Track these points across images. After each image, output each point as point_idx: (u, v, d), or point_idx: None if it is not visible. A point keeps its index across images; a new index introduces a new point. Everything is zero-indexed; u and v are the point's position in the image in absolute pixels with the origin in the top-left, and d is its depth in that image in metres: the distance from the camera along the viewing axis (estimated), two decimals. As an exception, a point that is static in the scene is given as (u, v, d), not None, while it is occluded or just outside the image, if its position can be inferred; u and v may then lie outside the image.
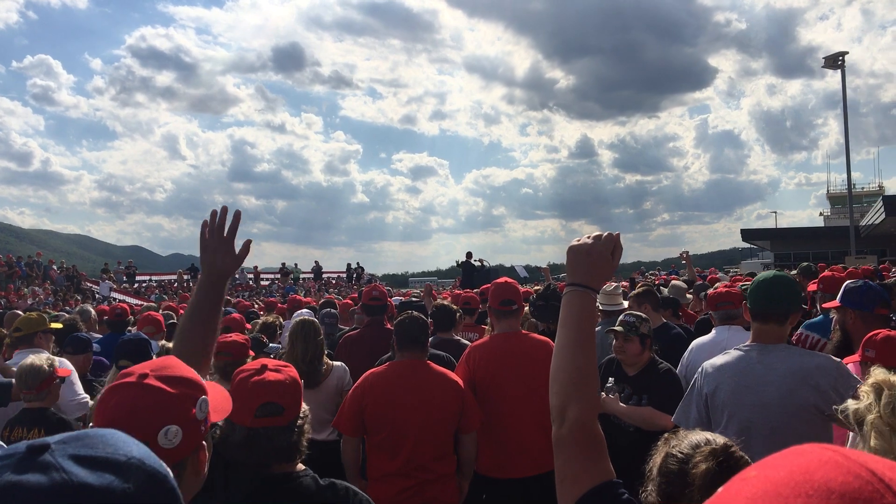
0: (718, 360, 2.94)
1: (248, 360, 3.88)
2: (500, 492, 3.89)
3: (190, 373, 1.52)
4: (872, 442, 1.75)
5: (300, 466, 2.00)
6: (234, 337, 4.01)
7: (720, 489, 0.59)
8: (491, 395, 3.93)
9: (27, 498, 0.71)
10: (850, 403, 1.87)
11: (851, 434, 2.26)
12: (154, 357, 3.66)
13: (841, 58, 29.76)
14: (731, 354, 2.91)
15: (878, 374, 1.88)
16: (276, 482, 1.92)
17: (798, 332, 4.70)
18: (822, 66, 30.34)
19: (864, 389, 1.85)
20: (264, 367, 2.02)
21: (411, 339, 3.70)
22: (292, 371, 2.06)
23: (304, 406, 2.06)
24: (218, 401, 1.56)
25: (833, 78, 29.86)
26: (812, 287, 5.36)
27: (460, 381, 3.72)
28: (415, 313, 3.89)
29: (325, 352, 4.55)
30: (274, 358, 4.64)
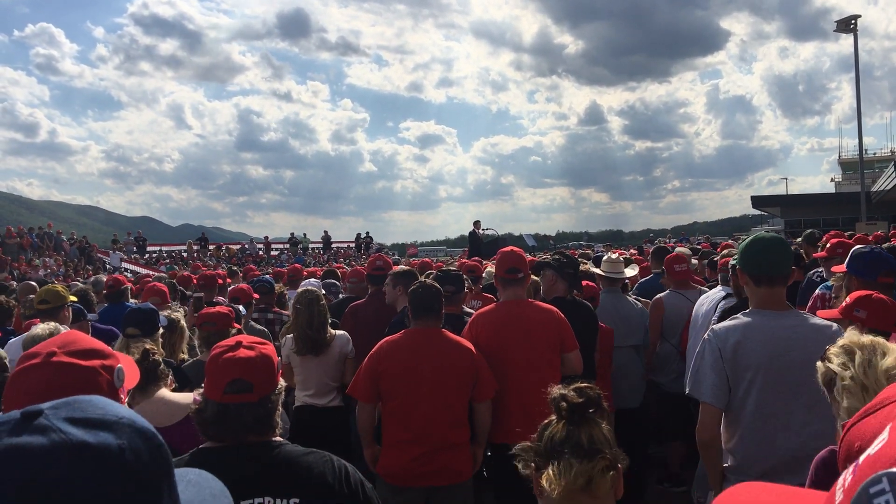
0: (731, 323, 2.84)
1: (233, 331, 3.91)
2: (503, 457, 3.95)
3: (98, 344, 1.51)
4: (845, 402, 1.78)
5: (277, 438, 2.02)
6: (218, 308, 4.09)
7: (891, 434, 0.60)
8: (494, 362, 3.95)
9: (30, 459, 0.74)
10: (820, 366, 1.91)
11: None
12: (161, 328, 3.74)
13: (853, 21, 29.22)
14: (745, 318, 2.82)
15: (850, 335, 1.93)
16: (254, 450, 1.95)
17: (816, 293, 4.67)
18: (835, 31, 29.82)
19: (835, 351, 1.89)
20: (238, 344, 2.02)
21: (426, 308, 3.73)
22: (267, 349, 2.05)
23: (281, 382, 2.06)
24: (128, 368, 1.56)
25: (847, 40, 29.41)
26: (820, 255, 5.39)
27: (475, 350, 3.74)
28: (428, 281, 3.92)
29: (330, 320, 4.63)
30: (279, 328, 4.71)
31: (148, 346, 3.04)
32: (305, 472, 1.95)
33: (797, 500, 0.69)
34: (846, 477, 0.61)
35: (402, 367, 3.60)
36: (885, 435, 0.61)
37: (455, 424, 3.63)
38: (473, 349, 3.76)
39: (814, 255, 5.68)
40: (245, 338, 2.09)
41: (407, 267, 5.61)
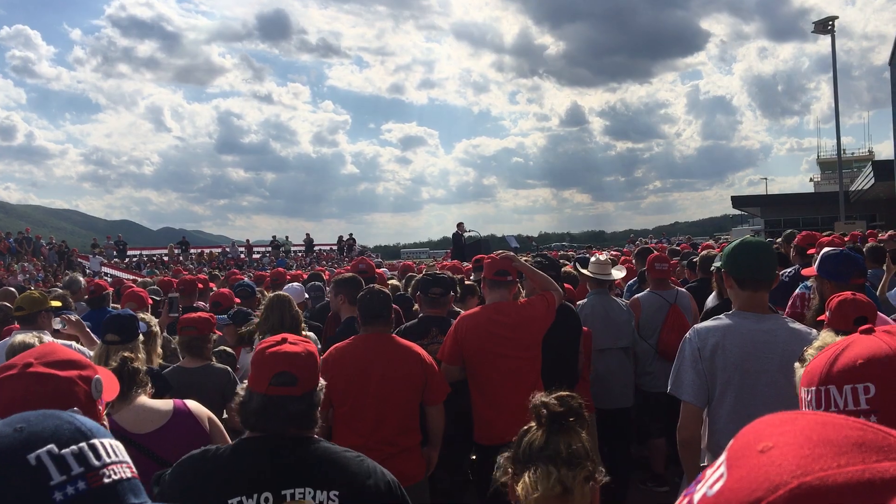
0: (712, 323, 2.87)
1: (214, 336, 3.97)
2: (488, 459, 3.95)
3: (76, 355, 1.51)
4: None
5: (315, 435, 2.10)
6: (199, 313, 4.09)
7: (730, 471, 0.57)
8: (483, 364, 3.98)
9: None
10: (797, 368, 1.89)
11: None
12: (141, 334, 3.71)
13: (831, 22, 29.57)
14: (726, 320, 2.85)
15: (824, 336, 1.94)
16: (295, 442, 2.02)
17: (797, 292, 4.72)
18: (812, 31, 30.16)
19: (810, 353, 1.88)
20: (284, 340, 2.09)
21: (373, 314, 3.74)
22: (311, 346, 2.12)
23: (322, 381, 2.13)
24: (107, 380, 1.56)
25: (825, 41, 29.72)
26: (812, 251, 5.49)
27: (425, 355, 3.75)
28: (376, 287, 3.92)
29: (303, 322, 4.66)
30: (245, 327, 4.73)
31: (127, 354, 3.03)
32: (345, 468, 2.01)
33: None
34: None
35: (350, 373, 3.59)
36: (721, 471, 0.57)
37: (404, 429, 3.63)
38: (423, 354, 3.76)
39: (808, 251, 5.76)
40: (290, 335, 2.15)
41: (350, 274, 5.56)
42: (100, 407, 1.47)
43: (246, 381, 2.12)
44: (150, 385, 3.01)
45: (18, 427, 0.81)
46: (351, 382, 3.58)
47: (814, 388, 1.18)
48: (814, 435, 0.55)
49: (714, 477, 0.57)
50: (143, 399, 2.92)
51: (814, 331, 2.84)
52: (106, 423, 1.50)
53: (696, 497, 0.58)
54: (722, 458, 0.59)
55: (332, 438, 3.69)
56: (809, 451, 0.54)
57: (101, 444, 0.85)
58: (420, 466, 3.71)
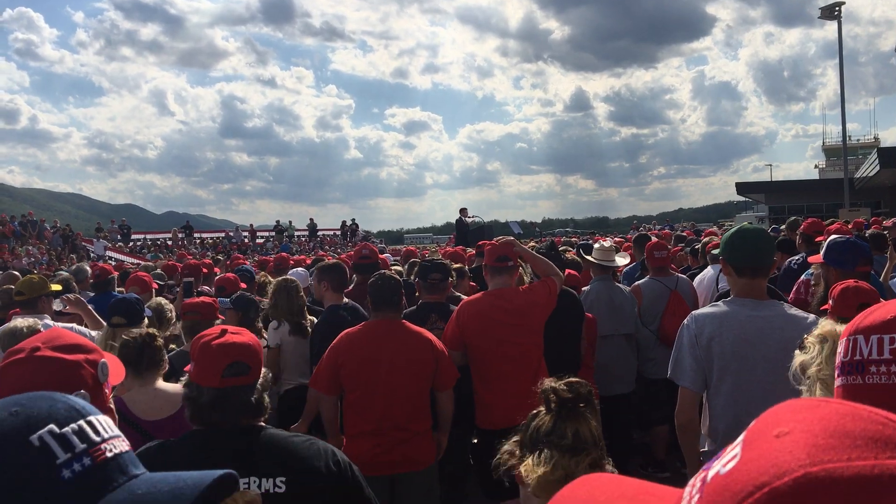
0: (710, 310, 2.90)
1: (218, 321, 3.94)
2: (489, 444, 3.97)
3: (82, 339, 1.53)
4: (818, 392, 1.78)
5: (262, 423, 2.10)
6: (202, 298, 4.10)
7: (744, 452, 0.56)
8: (484, 350, 4.00)
9: None
10: (797, 354, 1.91)
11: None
12: (146, 317, 3.75)
13: (837, 8, 29.31)
14: (723, 307, 2.87)
15: (825, 324, 1.95)
16: (241, 432, 2.02)
17: (801, 279, 4.72)
18: (819, 17, 29.90)
19: (811, 340, 1.88)
20: (225, 331, 2.08)
21: (384, 300, 3.74)
22: (251, 335, 2.14)
23: (265, 368, 2.14)
24: (113, 364, 1.58)
25: (832, 26, 29.40)
26: (820, 239, 5.50)
27: (435, 340, 3.76)
28: (387, 273, 3.92)
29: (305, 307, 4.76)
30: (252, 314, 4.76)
31: (151, 330, 3.04)
32: (291, 453, 2.01)
33: (641, 497, 0.64)
34: (692, 493, 0.58)
35: (360, 359, 3.60)
36: (737, 451, 0.57)
37: (414, 415, 3.64)
38: (434, 339, 3.77)
39: (815, 239, 5.75)
40: (228, 326, 2.16)
41: (334, 261, 5.56)
42: (106, 390, 1.49)
43: (186, 377, 2.09)
44: (167, 366, 3.02)
45: (14, 410, 0.82)
46: (361, 368, 3.60)
47: (844, 339, 1.21)
48: (831, 425, 0.55)
49: (729, 455, 0.57)
50: (160, 382, 2.93)
51: (811, 316, 2.85)
52: (112, 405, 1.53)
53: (711, 473, 0.57)
54: (740, 437, 0.59)
55: (343, 425, 3.72)
56: (824, 441, 0.53)
57: (97, 420, 0.87)
58: (431, 451, 3.74)
